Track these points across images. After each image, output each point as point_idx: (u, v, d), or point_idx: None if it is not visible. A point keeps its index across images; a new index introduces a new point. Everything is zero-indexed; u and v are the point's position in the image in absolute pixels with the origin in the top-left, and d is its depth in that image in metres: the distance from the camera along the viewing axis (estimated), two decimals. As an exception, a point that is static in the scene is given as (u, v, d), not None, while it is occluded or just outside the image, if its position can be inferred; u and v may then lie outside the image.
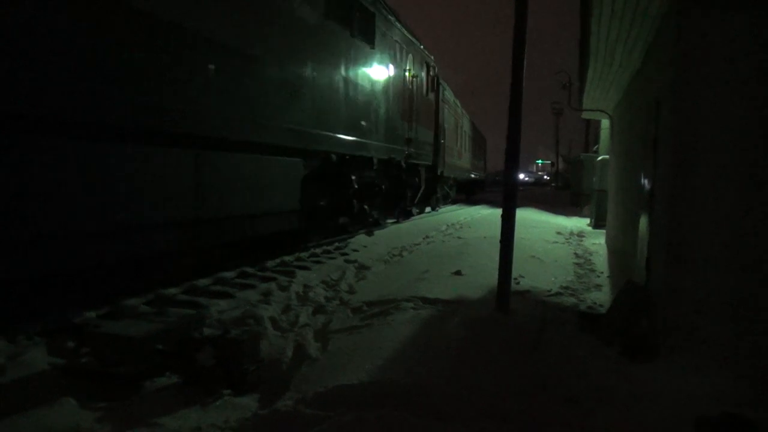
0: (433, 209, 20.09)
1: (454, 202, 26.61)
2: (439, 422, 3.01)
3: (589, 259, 9.22)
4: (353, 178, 9.74)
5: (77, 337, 4.19)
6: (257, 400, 3.51)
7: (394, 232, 12.27)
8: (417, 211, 17.16)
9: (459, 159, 24.75)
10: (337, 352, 4.19)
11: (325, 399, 3.25)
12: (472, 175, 32.31)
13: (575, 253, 9.81)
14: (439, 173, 17.91)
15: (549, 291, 6.42)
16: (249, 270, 7.09)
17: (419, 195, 15.65)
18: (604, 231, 12.35)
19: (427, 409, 3.12)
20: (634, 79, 7.52)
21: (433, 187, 17.88)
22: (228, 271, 6.85)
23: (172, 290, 5.78)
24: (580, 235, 13.03)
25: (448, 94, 20.92)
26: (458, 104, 24.87)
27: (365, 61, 9.92)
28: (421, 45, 14.85)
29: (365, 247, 9.81)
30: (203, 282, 6.24)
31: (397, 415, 2.98)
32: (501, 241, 5.26)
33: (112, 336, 3.69)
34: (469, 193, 33.39)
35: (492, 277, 5.54)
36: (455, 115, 23.43)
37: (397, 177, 13.07)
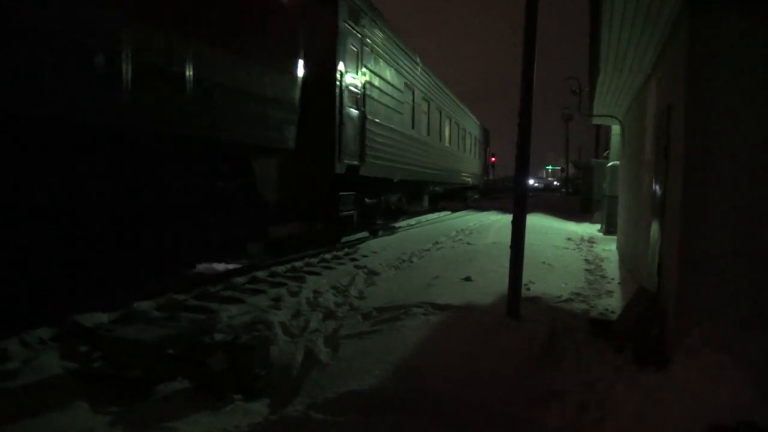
0: (372, 233, 12.46)
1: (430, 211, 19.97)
2: (450, 429, 3.00)
3: (600, 265, 9.17)
4: None
5: (90, 342, 4.23)
6: (268, 405, 3.52)
7: (403, 238, 12.27)
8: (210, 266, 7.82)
9: (424, 154, 15.79)
10: (347, 358, 4.19)
11: (335, 404, 3.26)
12: (466, 179, 24.37)
13: (586, 259, 9.75)
14: (339, 171, 9.21)
15: (560, 297, 6.39)
16: (260, 275, 7.12)
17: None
18: (614, 237, 12.28)
19: (437, 415, 3.12)
20: (645, 84, 7.49)
21: (329, 198, 9.42)
22: (239, 276, 6.89)
23: (183, 295, 5.83)
24: (591, 241, 12.95)
25: (377, 31, 11.19)
26: (419, 63, 14.95)
27: None
28: None
29: (375, 252, 9.82)
30: (214, 287, 6.27)
31: (408, 422, 2.98)
32: (511, 247, 5.25)
33: (124, 340, 3.72)
34: (465, 199, 26.23)
35: (502, 283, 5.52)
36: (411, 77, 14.11)
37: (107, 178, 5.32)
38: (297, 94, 8.24)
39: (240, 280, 6.75)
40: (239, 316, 5.24)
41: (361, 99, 10.20)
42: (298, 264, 8.09)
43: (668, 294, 4.44)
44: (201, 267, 7.62)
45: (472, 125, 25.85)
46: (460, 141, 22.20)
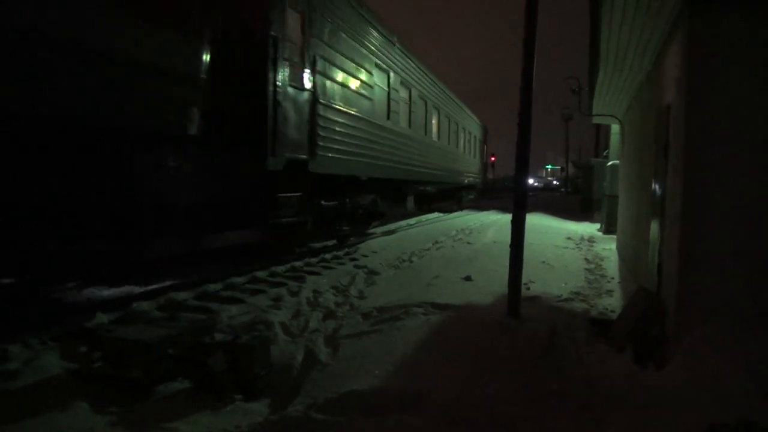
0: (339, 241, 10.80)
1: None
2: (450, 429, 3.00)
3: (600, 265, 9.16)
4: None
5: (90, 342, 4.23)
6: (268, 405, 3.52)
7: (403, 238, 12.27)
8: None
9: (405, 149, 13.59)
10: (347, 358, 4.19)
11: (335, 404, 3.26)
12: (462, 179, 22.32)
13: (586, 259, 9.75)
14: (274, 167, 7.20)
15: (560, 296, 6.39)
16: (260, 275, 7.12)
17: None
18: (614, 236, 12.28)
19: (438, 415, 3.12)
20: (645, 83, 7.49)
21: (264, 201, 7.45)
22: (239, 276, 6.89)
23: (183, 295, 5.83)
24: (591, 240, 12.95)
25: None
26: (397, 42, 12.69)
27: None
28: None
29: (375, 252, 9.82)
30: (214, 287, 6.28)
31: (408, 422, 2.98)
32: (511, 247, 5.25)
33: (124, 341, 3.72)
34: (459, 200, 24.31)
35: (502, 283, 5.52)
36: (386, 58, 11.91)
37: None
38: (202, 64, 6.30)
39: (240, 280, 6.75)
40: (239, 316, 5.24)
41: (310, 77, 7.96)
42: (297, 264, 8.10)
43: (668, 294, 4.44)
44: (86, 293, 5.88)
45: (468, 121, 23.41)
46: (452, 136, 19.77)
